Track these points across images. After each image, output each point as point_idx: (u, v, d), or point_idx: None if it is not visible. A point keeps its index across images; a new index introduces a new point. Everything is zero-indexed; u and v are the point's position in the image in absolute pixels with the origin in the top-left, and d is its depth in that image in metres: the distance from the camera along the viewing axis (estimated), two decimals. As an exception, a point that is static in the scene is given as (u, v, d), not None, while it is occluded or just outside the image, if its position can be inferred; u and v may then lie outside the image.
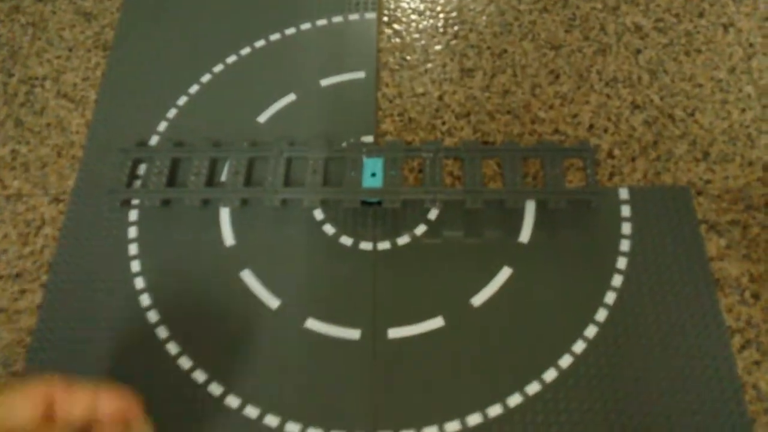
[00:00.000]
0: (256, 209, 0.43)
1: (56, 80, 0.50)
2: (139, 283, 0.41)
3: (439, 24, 0.51)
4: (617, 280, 0.40)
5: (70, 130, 0.48)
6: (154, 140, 0.46)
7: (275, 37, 0.51)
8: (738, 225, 0.42)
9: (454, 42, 0.50)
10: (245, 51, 0.50)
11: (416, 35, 0.50)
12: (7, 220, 0.44)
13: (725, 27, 0.49)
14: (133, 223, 0.43)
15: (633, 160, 0.44)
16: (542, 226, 0.41)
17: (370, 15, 0.51)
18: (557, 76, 0.48)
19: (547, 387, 0.37)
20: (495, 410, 0.36)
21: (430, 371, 0.37)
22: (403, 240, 0.42)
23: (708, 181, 0.43)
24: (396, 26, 0.51)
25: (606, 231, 0.41)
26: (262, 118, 0.47)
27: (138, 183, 0.44)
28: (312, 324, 0.39)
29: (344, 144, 0.44)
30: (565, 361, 0.37)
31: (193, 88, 0.49)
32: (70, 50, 0.52)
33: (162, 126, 0.47)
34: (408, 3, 0.52)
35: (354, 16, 0.51)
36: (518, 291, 0.39)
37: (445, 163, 0.44)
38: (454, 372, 0.37)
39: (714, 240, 0.41)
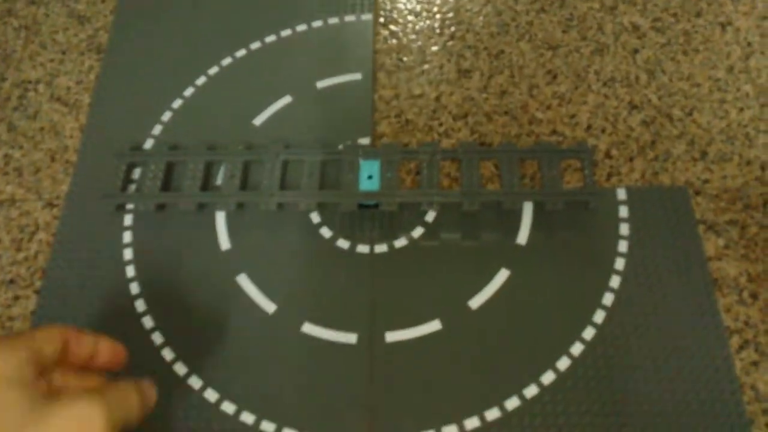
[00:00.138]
0: (252, 213, 0.43)
1: (50, 84, 0.50)
2: (134, 288, 0.41)
3: (436, 25, 0.51)
4: (615, 281, 0.39)
5: (64, 134, 0.47)
6: (148, 144, 0.46)
7: (270, 38, 0.50)
8: (736, 225, 0.41)
9: (450, 43, 0.50)
10: (240, 53, 0.50)
11: (413, 36, 0.50)
12: (1, 226, 0.44)
13: (723, 26, 0.49)
14: (127, 228, 0.43)
15: (631, 160, 0.44)
16: (540, 227, 0.41)
17: (367, 16, 0.51)
18: (555, 77, 0.48)
19: (545, 390, 0.36)
20: (493, 414, 0.36)
21: (427, 375, 0.37)
22: (400, 243, 0.41)
23: (706, 181, 0.43)
24: (392, 27, 0.51)
25: (604, 232, 0.41)
26: (258, 121, 0.47)
27: (133, 187, 0.44)
28: (309, 328, 0.39)
29: (341, 146, 0.43)
30: (563, 363, 0.37)
31: (188, 91, 0.48)
32: (64, 53, 0.51)
33: (157, 129, 0.47)
34: (404, 4, 0.52)
35: (350, 18, 0.51)
36: (516, 293, 0.39)
37: (442, 165, 0.44)
38: (452, 376, 0.37)
39: (712, 240, 0.41)
